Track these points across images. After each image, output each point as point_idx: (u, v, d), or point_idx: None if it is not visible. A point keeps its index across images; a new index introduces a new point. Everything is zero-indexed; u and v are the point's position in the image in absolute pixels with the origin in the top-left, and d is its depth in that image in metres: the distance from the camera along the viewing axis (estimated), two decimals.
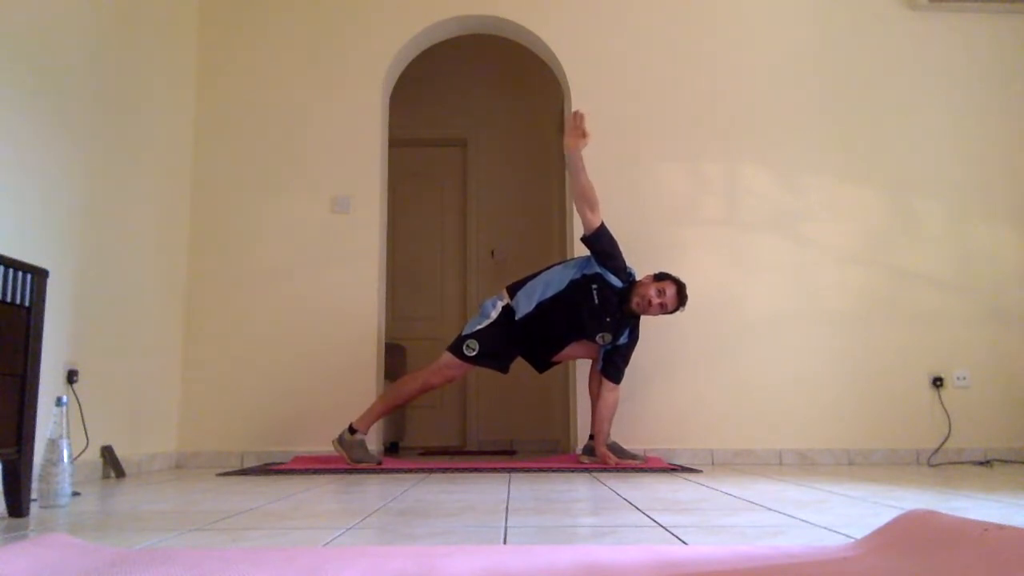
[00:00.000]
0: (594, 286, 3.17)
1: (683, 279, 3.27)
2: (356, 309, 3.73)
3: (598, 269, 3.19)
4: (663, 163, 3.86)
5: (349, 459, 3.18)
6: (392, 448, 4.75)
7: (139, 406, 3.29)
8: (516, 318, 3.22)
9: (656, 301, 3.15)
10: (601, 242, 3.20)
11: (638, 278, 3.29)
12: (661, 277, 3.21)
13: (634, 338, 3.32)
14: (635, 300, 3.17)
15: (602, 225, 3.21)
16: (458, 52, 5.26)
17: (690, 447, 3.62)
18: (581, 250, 3.76)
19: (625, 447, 3.39)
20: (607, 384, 3.28)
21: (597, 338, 3.24)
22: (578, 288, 3.20)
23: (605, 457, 3.22)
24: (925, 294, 3.78)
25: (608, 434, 3.31)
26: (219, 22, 3.94)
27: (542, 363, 3.40)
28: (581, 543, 1.43)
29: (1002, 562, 1.09)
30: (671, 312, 3.23)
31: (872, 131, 3.91)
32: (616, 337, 3.25)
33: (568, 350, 3.33)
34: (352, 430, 3.22)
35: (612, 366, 3.29)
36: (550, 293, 3.23)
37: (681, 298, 3.20)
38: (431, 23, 3.95)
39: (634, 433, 3.59)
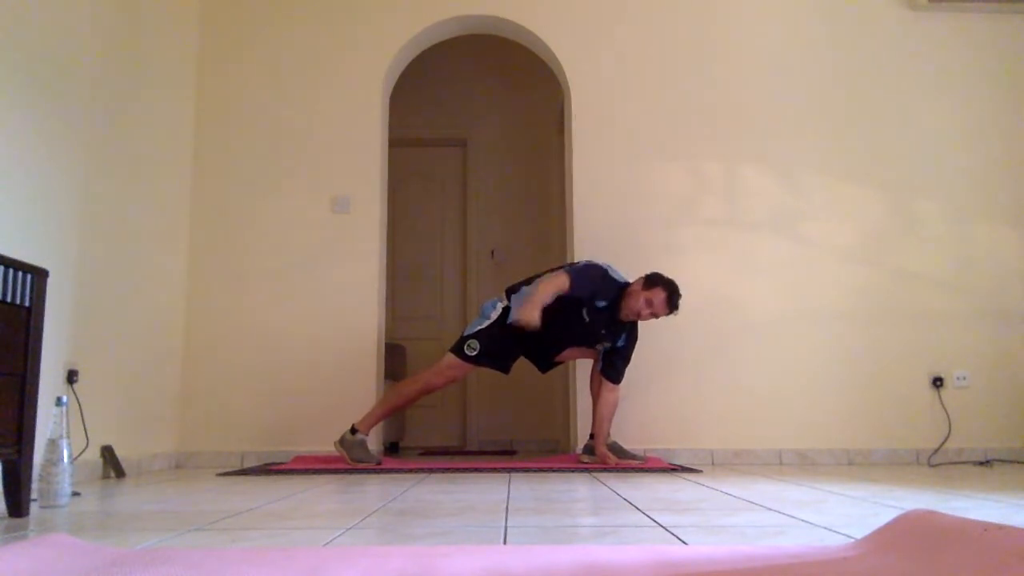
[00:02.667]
0: (583, 308, 3.18)
1: (683, 279, 3.26)
2: (356, 309, 3.73)
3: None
4: (663, 163, 3.86)
5: (349, 459, 3.18)
6: (392, 448, 4.74)
7: (139, 406, 3.28)
8: (507, 322, 3.23)
9: (646, 312, 3.14)
10: (581, 290, 3.17)
11: (630, 280, 3.28)
12: (651, 283, 3.16)
13: (633, 339, 3.32)
14: (624, 312, 3.16)
15: (572, 280, 3.15)
16: (458, 52, 5.26)
17: (690, 447, 3.62)
18: (581, 250, 3.76)
19: (625, 447, 3.39)
20: (607, 384, 3.29)
21: (596, 346, 3.27)
22: (567, 305, 3.18)
23: (605, 457, 3.22)
24: (925, 294, 3.78)
25: (608, 434, 3.31)
26: (219, 22, 3.94)
27: (544, 363, 3.40)
28: (581, 543, 1.43)
29: (1002, 562, 1.09)
30: (666, 315, 3.22)
31: (872, 131, 3.91)
32: (614, 341, 3.26)
33: (568, 352, 3.34)
34: (354, 430, 3.22)
35: (611, 367, 3.29)
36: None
37: (672, 303, 3.16)
38: (431, 23, 3.95)
39: (634, 433, 3.59)
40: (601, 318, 3.19)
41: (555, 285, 3.12)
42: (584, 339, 3.27)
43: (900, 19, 4.00)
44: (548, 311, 3.12)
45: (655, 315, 3.16)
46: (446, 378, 3.31)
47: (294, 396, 3.65)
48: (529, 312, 3.02)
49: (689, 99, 3.91)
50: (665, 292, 3.13)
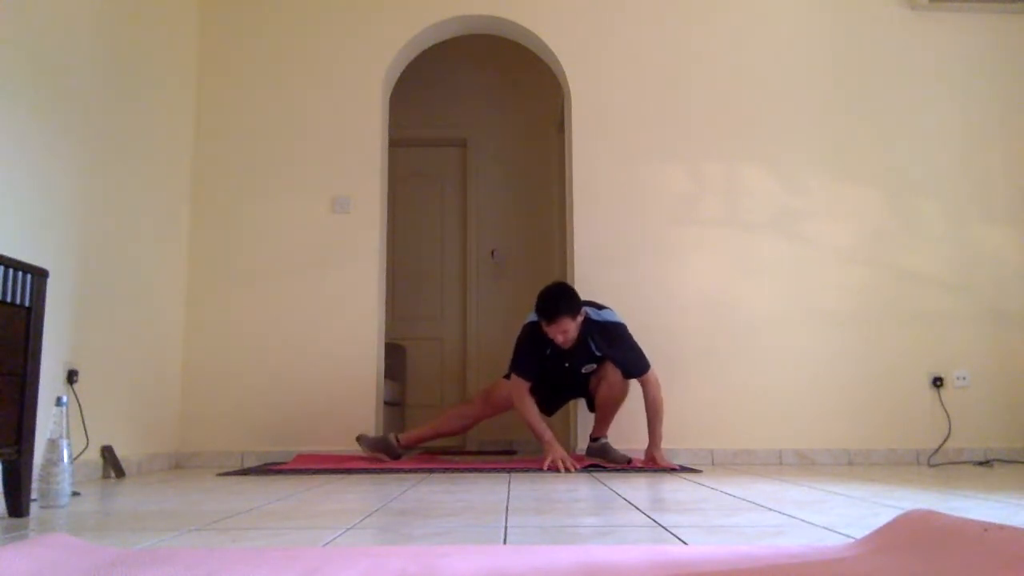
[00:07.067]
0: (547, 358, 3.18)
1: (683, 279, 3.23)
2: (356, 309, 3.73)
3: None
4: (663, 163, 3.86)
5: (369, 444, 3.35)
6: None
7: (139, 406, 3.29)
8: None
9: (562, 340, 3.06)
10: (534, 357, 3.18)
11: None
12: (543, 311, 3.05)
13: (608, 338, 3.18)
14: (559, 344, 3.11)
15: (522, 367, 3.19)
16: (458, 52, 5.26)
17: (690, 447, 3.62)
18: (581, 250, 3.77)
19: (617, 448, 3.37)
20: (640, 382, 3.21)
21: (583, 370, 3.25)
22: (546, 368, 3.22)
23: (659, 461, 3.17)
24: (925, 294, 3.78)
25: (661, 437, 3.23)
26: (219, 22, 3.94)
27: (589, 402, 3.44)
28: (581, 543, 1.43)
29: (1002, 562, 1.09)
30: (572, 323, 3.07)
31: (872, 131, 3.91)
32: (591, 355, 3.20)
33: (594, 382, 3.31)
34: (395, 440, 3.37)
35: (624, 371, 3.21)
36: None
37: (553, 321, 3.01)
38: (431, 23, 3.95)
39: (634, 433, 3.58)
40: (559, 353, 3.15)
41: (527, 402, 3.16)
42: (580, 366, 3.24)
43: (900, 19, 4.00)
44: (542, 382, 3.24)
45: (567, 335, 3.06)
46: (488, 396, 3.42)
47: (294, 396, 3.65)
48: (553, 454, 3.08)
49: (689, 99, 3.91)
50: (545, 320, 3.02)
